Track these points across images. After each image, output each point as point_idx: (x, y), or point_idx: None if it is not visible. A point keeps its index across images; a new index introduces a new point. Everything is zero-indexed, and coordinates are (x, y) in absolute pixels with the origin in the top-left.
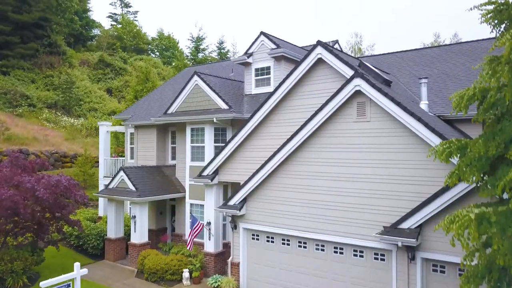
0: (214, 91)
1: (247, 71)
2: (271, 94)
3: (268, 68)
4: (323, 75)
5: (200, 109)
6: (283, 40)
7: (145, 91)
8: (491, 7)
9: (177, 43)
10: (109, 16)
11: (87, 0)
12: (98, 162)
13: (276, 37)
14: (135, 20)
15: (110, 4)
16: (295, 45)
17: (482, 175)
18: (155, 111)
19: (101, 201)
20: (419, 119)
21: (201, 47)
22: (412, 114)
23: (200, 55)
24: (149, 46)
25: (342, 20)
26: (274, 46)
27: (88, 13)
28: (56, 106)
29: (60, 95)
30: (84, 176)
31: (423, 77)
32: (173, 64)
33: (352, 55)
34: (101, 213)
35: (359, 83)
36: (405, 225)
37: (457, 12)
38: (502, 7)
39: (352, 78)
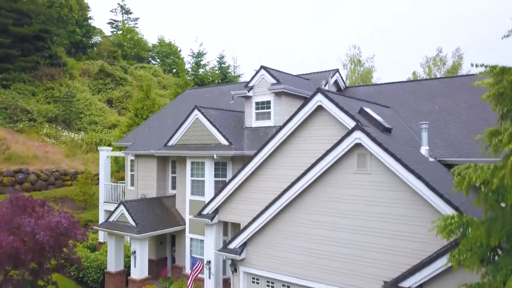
0: (214, 126)
1: (247, 103)
2: (271, 137)
3: (269, 102)
4: (323, 121)
5: (201, 143)
6: (283, 73)
7: (145, 109)
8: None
9: (179, 51)
10: (110, 23)
11: (88, 8)
12: (98, 179)
13: (276, 70)
14: (136, 27)
15: (110, 11)
16: (296, 76)
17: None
18: (155, 139)
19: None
20: (419, 177)
21: (202, 62)
22: (412, 172)
23: (201, 70)
24: (150, 53)
25: (341, 25)
26: (274, 81)
27: (89, 21)
28: (56, 120)
29: (60, 108)
30: (85, 196)
31: (424, 122)
32: (174, 71)
33: (352, 66)
34: (101, 238)
35: (359, 136)
36: (406, 283)
37: (456, 21)
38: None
39: (352, 130)
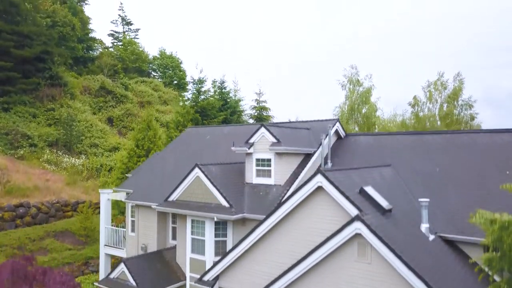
0: (215, 186)
1: (248, 159)
2: (269, 214)
3: (269, 160)
4: (324, 201)
5: (201, 201)
6: (284, 126)
7: (146, 140)
8: None
9: (180, 62)
10: (111, 34)
11: (89, 21)
12: (99, 208)
13: (277, 125)
14: (136, 38)
15: (111, 22)
16: (296, 127)
17: None
18: (156, 187)
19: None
20: (419, 276)
21: (203, 89)
22: (413, 270)
23: (202, 97)
24: (151, 65)
25: (339, 32)
26: (274, 140)
27: (90, 32)
28: (57, 145)
29: (61, 132)
30: (85, 231)
31: (424, 200)
32: (175, 82)
33: (351, 86)
34: (102, 275)
35: (359, 227)
36: None
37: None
38: None
39: (352, 220)
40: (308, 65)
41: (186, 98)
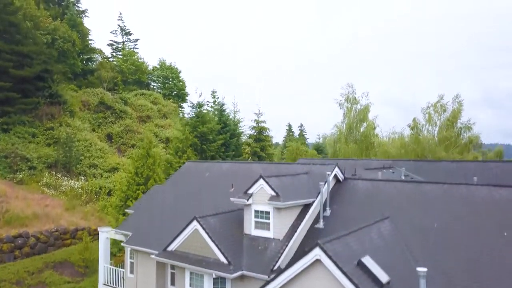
0: (213, 242)
1: (247, 209)
2: (265, 285)
3: (268, 213)
4: (322, 273)
5: (200, 254)
6: (281, 175)
7: (145, 167)
8: None
9: (179, 72)
10: (110, 44)
11: (88, 33)
12: (98, 234)
13: (275, 176)
14: (136, 48)
15: (111, 32)
16: (296, 173)
17: None
18: (155, 233)
19: None
20: None
21: (202, 113)
22: None
23: (203, 108)
24: (150, 75)
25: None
26: (273, 193)
27: (89, 42)
28: (56, 166)
29: (60, 154)
30: (84, 262)
31: (422, 271)
32: (174, 93)
33: (348, 105)
34: None
35: None
36: None
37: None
38: None
39: None
40: (308, 68)
41: (185, 113)
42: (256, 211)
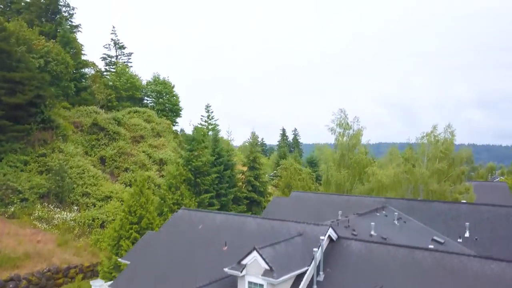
0: None
1: (240, 281)
2: None
3: (262, 285)
4: None
5: None
6: (274, 243)
7: (138, 206)
8: None
9: (172, 86)
10: (103, 58)
11: (82, 49)
12: (91, 270)
13: (269, 246)
14: (129, 62)
15: (104, 46)
16: (290, 237)
17: None
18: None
19: None
20: None
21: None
22: None
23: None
24: (144, 90)
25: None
26: (267, 267)
27: (82, 63)
28: (48, 197)
29: (53, 184)
30: None
31: None
32: (168, 108)
33: (340, 130)
34: None
35: None
36: None
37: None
38: None
39: None
40: (308, 67)
41: (178, 131)
42: (249, 283)
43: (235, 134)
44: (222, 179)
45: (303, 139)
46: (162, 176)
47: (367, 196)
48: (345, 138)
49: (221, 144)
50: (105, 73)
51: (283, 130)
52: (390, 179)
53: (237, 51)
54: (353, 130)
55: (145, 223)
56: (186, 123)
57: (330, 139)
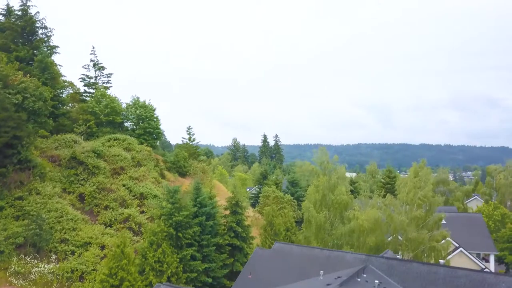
0: None
1: None
2: None
3: None
4: None
5: None
6: None
7: (119, 268)
8: None
9: (154, 109)
10: (82, 79)
11: (60, 73)
12: None
13: None
14: (109, 83)
15: (83, 67)
16: None
17: None
18: None
19: None
20: None
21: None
22: None
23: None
24: (124, 113)
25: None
26: None
27: (61, 89)
28: (25, 247)
29: (30, 231)
30: None
31: None
32: (149, 131)
33: (321, 168)
34: None
35: None
36: None
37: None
38: None
39: None
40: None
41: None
42: None
43: (215, 137)
44: (204, 229)
45: (285, 140)
46: (143, 212)
47: (347, 252)
48: (326, 177)
49: (202, 193)
50: (84, 94)
51: (264, 136)
52: (370, 223)
53: (208, 52)
54: (335, 170)
55: (125, 286)
56: (171, 136)
57: (311, 140)
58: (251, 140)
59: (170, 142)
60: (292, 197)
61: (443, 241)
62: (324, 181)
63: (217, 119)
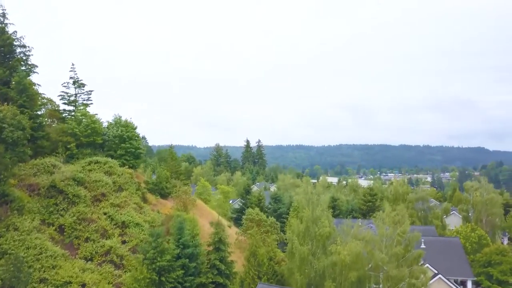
0: None
1: None
2: None
3: None
4: None
5: None
6: None
7: None
8: None
9: (135, 128)
10: (62, 97)
11: (39, 94)
12: None
13: None
14: (90, 101)
15: (62, 84)
16: None
17: None
18: None
19: None
20: None
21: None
22: None
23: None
24: (105, 133)
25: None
26: None
27: (40, 105)
28: None
29: (7, 272)
30: None
31: None
32: (132, 152)
33: (305, 199)
34: None
35: None
36: None
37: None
38: None
39: None
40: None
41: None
42: None
43: (197, 138)
44: (188, 270)
45: (267, 141)
46: (125, 241)
47: None
48: (310, 208)
49: (185, 234)
50: (64, 112)
51: (247, 141)
52: (352, 257)
53: (208, 52)
54: (318, 202)
55: None
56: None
57: (293, 141)
58: (234, 141)
59: (152, 148)
60: (275, 214)
61: (422, 276)
62: (308, 213)
63: (201, 120)
